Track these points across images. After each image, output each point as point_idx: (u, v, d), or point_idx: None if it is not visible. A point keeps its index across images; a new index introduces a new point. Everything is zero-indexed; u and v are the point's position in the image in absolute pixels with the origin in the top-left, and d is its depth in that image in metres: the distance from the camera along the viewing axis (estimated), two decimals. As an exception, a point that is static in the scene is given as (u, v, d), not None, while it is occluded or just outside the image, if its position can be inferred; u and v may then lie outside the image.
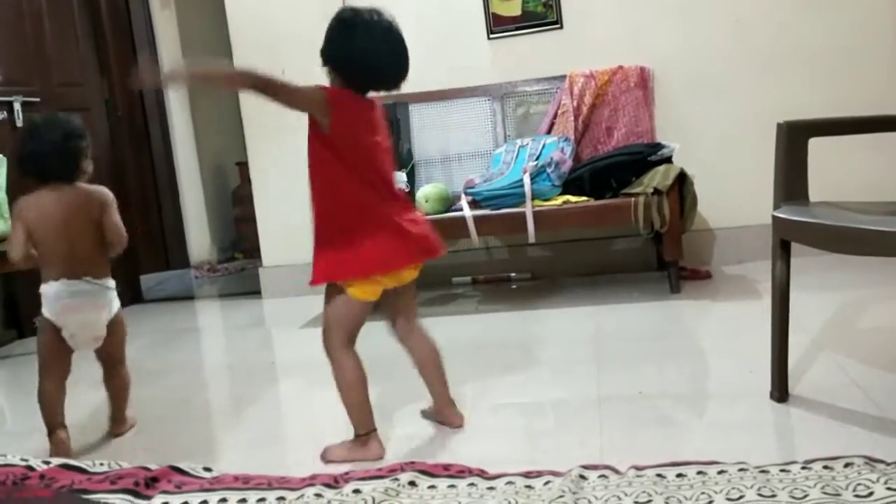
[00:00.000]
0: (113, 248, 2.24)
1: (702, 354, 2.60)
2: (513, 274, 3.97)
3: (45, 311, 2.13)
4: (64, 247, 2.13)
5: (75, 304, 2.12)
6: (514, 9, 3.84)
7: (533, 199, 3.32)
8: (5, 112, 3.82)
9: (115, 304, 2.24)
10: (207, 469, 1.40)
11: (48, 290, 2.12)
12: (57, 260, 2.12)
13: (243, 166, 5.01)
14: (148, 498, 1.30)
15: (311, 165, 1.87)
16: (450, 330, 3.16)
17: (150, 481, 1.37)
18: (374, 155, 1.90)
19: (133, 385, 2.49)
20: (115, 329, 2.24)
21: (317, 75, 3.95)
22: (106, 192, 2.25)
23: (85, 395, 2.50)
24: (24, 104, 3.89)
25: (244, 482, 1.29)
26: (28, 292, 3.73)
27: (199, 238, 5.63)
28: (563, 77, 3.76)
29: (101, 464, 1.45)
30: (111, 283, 2.23)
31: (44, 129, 2.16)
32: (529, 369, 2.57)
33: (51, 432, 2.13)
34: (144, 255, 4.94)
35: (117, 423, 2.33)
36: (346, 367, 1.88)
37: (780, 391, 2.01)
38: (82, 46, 4.35)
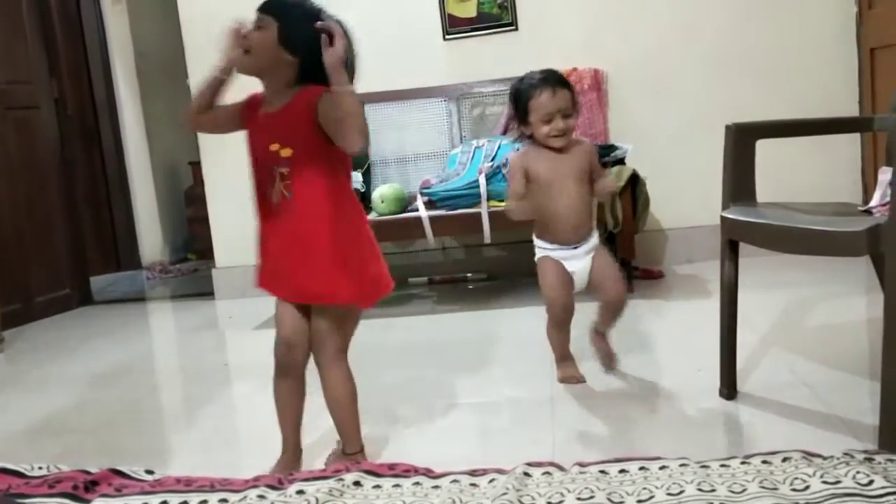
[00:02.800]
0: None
1: (653, 353, 2.63)
2: (469, 274, 3.97)
3: None
4: None
5: None
6: (469, 10, 3.84)
7: (489, 199, 3.33)
8: (-50, 110, 3.72)
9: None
10: (149, 472, 1.37)
11: None
12: None
13: (196, 166, 4.94)
14: (87, 501, 1.27)
15: None
16: (406, 330, 3.15)
17: (89, 485, 1.34)
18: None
19: (83, 388, 2.45)
20: None
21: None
22: None
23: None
24: (-31, 101, 3.80)
25: (186, 484, 1.27)
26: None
27: (150, 238, 5.54)
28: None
29: (40, 467, 1.41)
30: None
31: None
32: (484, 369, 2.57)
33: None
34: (95, 256, 4.85)
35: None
36: None
37: (729, 388, 2.04)
38: (31, 44, 4.25)
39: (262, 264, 1.81)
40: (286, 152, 1.69)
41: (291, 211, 1.70)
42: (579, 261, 2.21)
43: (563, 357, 2.31)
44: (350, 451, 1.80)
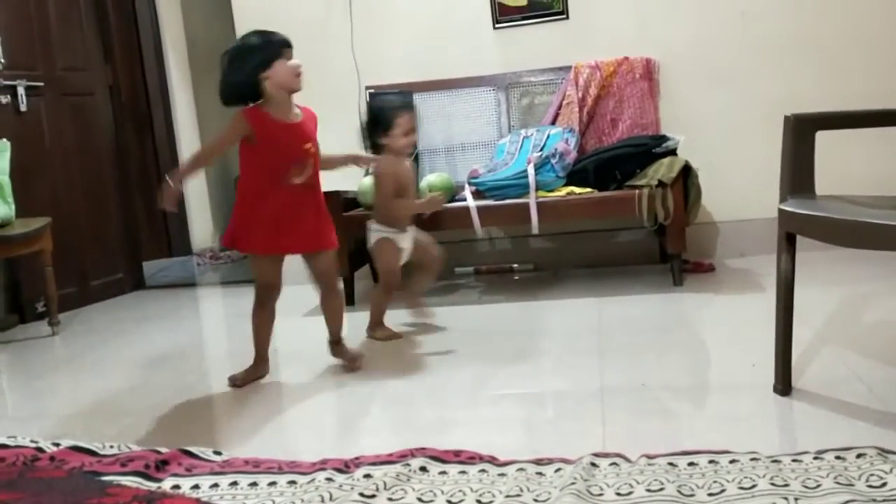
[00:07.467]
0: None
1: (704, 347, 2.61)
2: (515, 265, 3.98)
3: None
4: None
5: None
6: (520, -1, 3.83)
7: (537, 189, 3.33)
8: (9, 96, 3.81)
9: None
10: (217, 452, 1.40)
11: None
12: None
13: (246, 154, 4.99)
14: (158, 480, 1.30)
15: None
16: (452, 320, 3.16)
17: (160, 464, 1.37)
18: None
19: (136, 370, 2.53)
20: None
21: (322, 61, 3.98)
22: None
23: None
24: (27, 88, 3.88)
25: (254, 466, 1.30)
26: (30, 277, 3.76)
27: (201, 225, 5.63)
28: (568, 68, 3.76)
29: (111, 446, 1.45)
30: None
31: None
32: (531, 360, 2.58)
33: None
34: (147, 242, 4.94)
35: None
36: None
37: (784, 384, 2.02)
38: (86, 32, 4.33)
39: (271, 231, 2.46)
40: (310, 147, 2.41)
41: (314, 188, 2.47)
42: (407, 239, 2.92)
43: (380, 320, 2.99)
44: (337, 339, 2.67)
